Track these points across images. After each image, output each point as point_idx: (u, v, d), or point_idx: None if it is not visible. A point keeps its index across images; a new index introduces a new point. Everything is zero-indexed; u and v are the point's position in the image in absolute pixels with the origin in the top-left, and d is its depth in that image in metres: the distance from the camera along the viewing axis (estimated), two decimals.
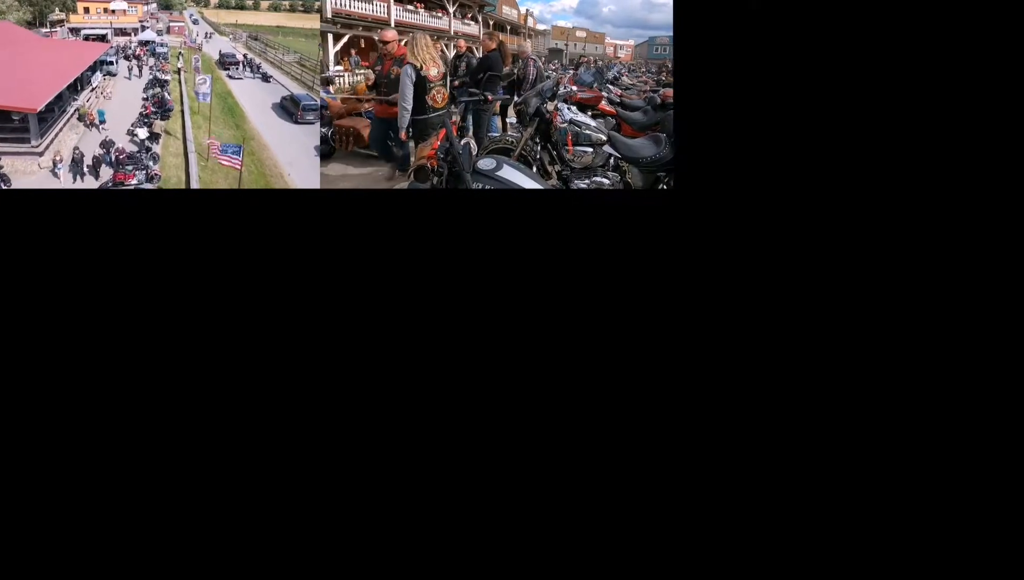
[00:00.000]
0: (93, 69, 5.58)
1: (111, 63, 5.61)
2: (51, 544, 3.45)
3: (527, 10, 6.72)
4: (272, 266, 3.95)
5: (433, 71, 5.02)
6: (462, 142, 4.72)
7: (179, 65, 6.00)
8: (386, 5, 6.31)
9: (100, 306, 3.90)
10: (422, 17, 6.57)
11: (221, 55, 6.13)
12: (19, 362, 3.73)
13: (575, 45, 6.86)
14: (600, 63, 6.55)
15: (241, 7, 5.97)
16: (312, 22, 5.75)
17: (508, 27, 6.74)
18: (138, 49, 5.86)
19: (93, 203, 4.24)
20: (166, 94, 5.75)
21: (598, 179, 5.11)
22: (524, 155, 5.27)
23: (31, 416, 3.68)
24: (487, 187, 4.47)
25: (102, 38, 5.71)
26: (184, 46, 5.93)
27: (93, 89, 5.64)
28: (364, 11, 5.85)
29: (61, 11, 5.49)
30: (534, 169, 5.20)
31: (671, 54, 5.29)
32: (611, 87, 6.12)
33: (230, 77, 6.05)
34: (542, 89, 5.42)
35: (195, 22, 6.02)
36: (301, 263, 3.97)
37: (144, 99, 5.80)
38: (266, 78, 6.03)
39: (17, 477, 3.54)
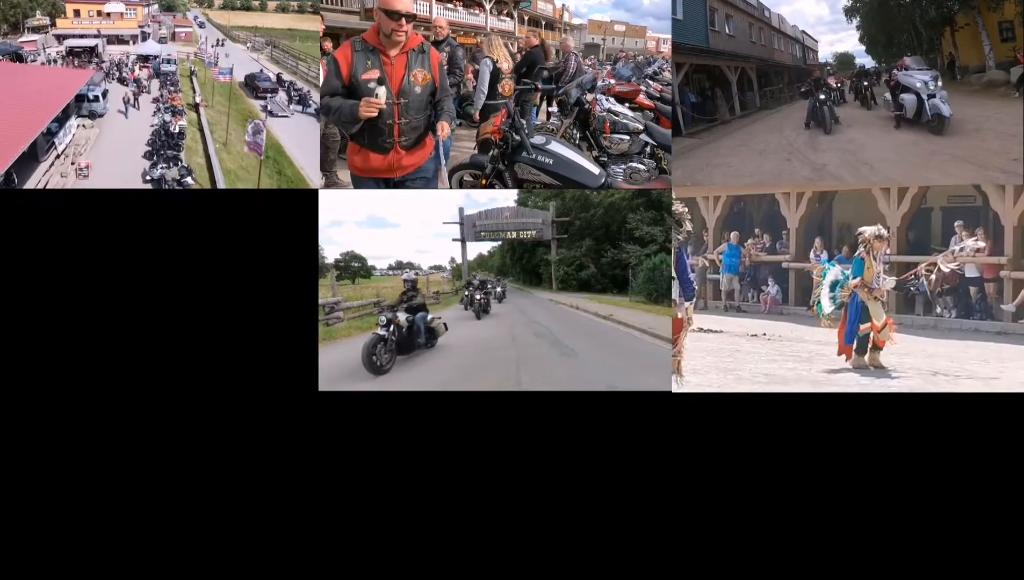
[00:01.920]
0: (64, 115, 4.11)
1: (95, 99, 4.32)
2: None
3: (563, 5, 6.87)
4: None
5: (505, 65, 5.59)
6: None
7: (197, 99, 4.77)
8: (428, 3, 6.28)
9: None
10: (461, 14, 6.51)
11: (251, 78, 5.13)
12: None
13: (613, 40, 6.95)
14: (639, 58, 6.91)
15: (247, 8, 5.28)
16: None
17: (543, 22, 6.74)
18: (136, 67, 4.70)
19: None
20: (189, 179, 4.29)
21: (634, 164, 5.41)
22: (565, 140, 5.49)
23: None
24: (540, 158, 4.86)
25: (92, 51, 4.60)
26: (195, 57, 5.00)
27: (59, 156, 4.09)
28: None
29: (43, 15, 4.56)
30: None
31: None
32: (651, 82, 6.39)
33: (269, 113, 4.94)
34: (582, 81, 5.75)
35: (201, 25, 5.11)
36: None
37: (150, 184, 4.25)
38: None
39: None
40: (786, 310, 7.88)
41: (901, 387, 4.79)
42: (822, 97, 6.86)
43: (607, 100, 5.55)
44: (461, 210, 9.52)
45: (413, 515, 4.20)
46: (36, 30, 4.54)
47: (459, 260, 10.14)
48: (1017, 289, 6.46)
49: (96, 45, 4.36)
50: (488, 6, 6.30)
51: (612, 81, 6.18)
